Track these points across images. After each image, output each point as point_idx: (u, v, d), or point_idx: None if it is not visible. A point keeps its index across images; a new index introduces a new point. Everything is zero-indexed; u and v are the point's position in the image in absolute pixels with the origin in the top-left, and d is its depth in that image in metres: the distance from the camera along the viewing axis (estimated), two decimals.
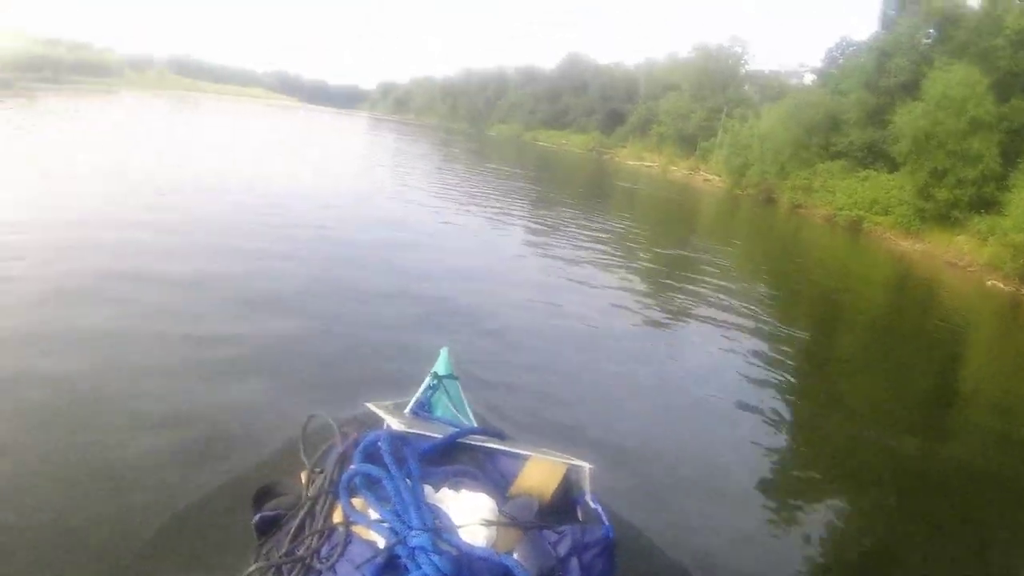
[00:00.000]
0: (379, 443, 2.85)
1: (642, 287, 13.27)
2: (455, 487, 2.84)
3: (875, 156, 43.09)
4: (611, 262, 14.69)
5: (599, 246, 16.40)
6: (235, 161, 23.84)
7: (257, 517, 3.03)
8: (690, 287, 13.94)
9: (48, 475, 4.20)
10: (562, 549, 2.63)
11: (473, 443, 3.23)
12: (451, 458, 3.09)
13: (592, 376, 7.89)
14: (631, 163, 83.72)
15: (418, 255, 12.44)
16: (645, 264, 15.69)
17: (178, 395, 5.51)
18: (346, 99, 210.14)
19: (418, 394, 4.09)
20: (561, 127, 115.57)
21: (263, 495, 3.17)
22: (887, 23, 47.64)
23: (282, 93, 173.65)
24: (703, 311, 12.05)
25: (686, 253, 18.99)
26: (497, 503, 2.76)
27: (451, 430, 3.33)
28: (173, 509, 3.93)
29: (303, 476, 3.11)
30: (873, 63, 44.34)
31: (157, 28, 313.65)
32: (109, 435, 4.73)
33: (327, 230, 13.27)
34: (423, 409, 3.98)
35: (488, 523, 2.63)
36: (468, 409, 4.26)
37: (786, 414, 7.88)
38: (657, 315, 11.39)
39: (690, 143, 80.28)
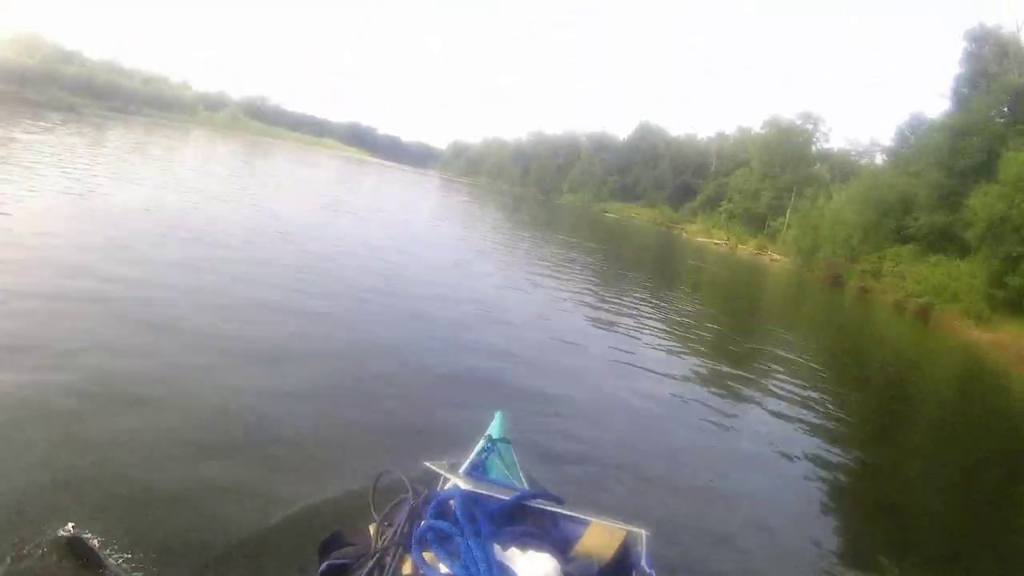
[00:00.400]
0: (451, 501, 2.99)
1: (705, 369, 12.81)
2: (522, 547, 2.90)
3: (946, 240, 41.75)
4: (674, 345, 14.14)
5: (662, 327, 15.95)
6: (314, 214, 23.94)
7: (324, 565, 3.04)
8: (753, 371, 13.61)
9: (122, 499, 4.34)
10: None
11: (536, 506, 3.30)
12: (517, 519, 3.17)
13: (649, 450, 7.77)
14: (699, 240, 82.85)
15: (484, 323, 12.34)
16: (709, 346, 15.07)
17: (245, 436, 5.66)
18: (418, 157, 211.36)
19: (472, 456, 4.18)
20: (631, 199, 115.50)
21: (330, 544, 3.21)
22: (960, 100, 46.93)
23: (355, 146, 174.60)
24: (766, 395, 11.68)
25: (752, 338, 18.25)
26: (560, 564, 2.81)
27: (511, 492, 3.40)
28: (240, 552, 4.08)
29: (371, 528, 3.18)
30: (946, 143, 43.08)
31: (233, 67, 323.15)
32: (182, 467, 4.91)
33: (401, 290, 13.41)
34: (477, 471, 4.00)
35: None
36: (520, 472, 4.32)
37: (847, 502, 7.79)
38: (719, 398, 10.88)
39: (758, 221, 79.91)
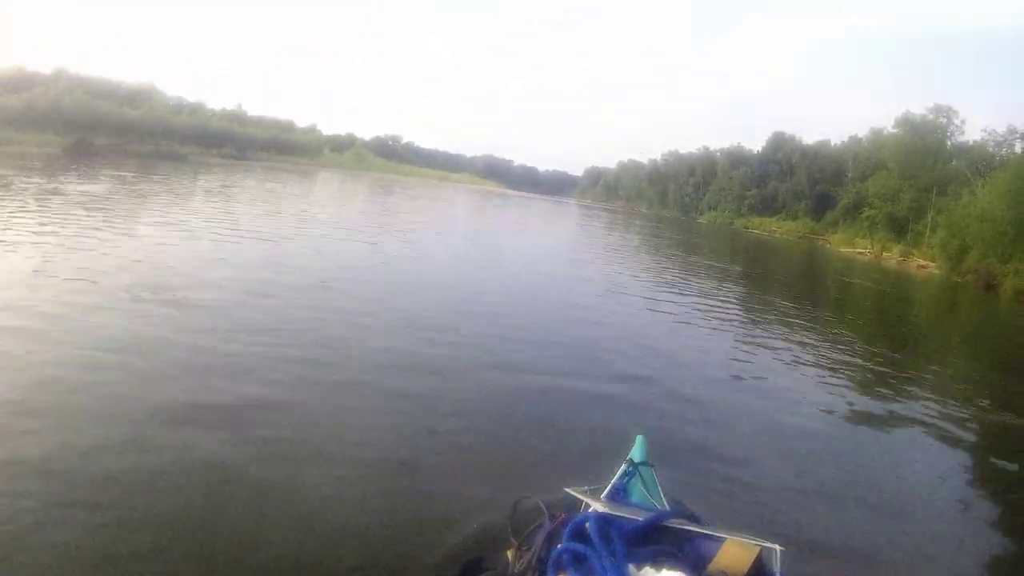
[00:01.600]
0: (586, 523, 3.09)
1: (852, 397, 11.49)
2: (657, 566, 2.93)
3: None
4: (818, 369, 13.05)
5: (817, 357, 14.34)
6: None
7: None
8: (903, 393, 12.29)
9: (244, 538, 4.51)
10: None
11: (672, 525, 3.29)
12: (652, 539, 3.18)
13: (795, 473, 7.42)
14: (843, 250, 78.15)
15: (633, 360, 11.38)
16: (855, 374, 13.42)
17: (392, 463, 5.87)
18: (555, 186, 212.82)
19: (614, 480, 4.19)
20: (771, 213, 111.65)
21: (470, 567, 3.63)
22: None
23: (491, 179, 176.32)
24: (917, 420, 10.51)
25: (895, 364, 15.35)
26: None
27: (650, 513, 3.39)
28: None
29: (510, 553, 3.46)
30: None
31: (363, 112, 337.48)
32: (320, 491, 5.19)
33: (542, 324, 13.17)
34: (619, 495, 4.03)
35: None
36: (662, 495, 4.23)
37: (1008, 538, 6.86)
38: (866, 427, 10.01)
39: (901, 226, 74.37)
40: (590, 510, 3.38)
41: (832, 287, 36.19)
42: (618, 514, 3.27)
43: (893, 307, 30.32)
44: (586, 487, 3.99)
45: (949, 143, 75.98)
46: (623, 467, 4.37)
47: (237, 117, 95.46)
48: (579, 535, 3.05)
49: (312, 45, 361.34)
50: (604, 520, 3.11)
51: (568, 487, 4.01)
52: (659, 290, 20.70)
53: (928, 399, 11.78)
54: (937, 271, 54.85)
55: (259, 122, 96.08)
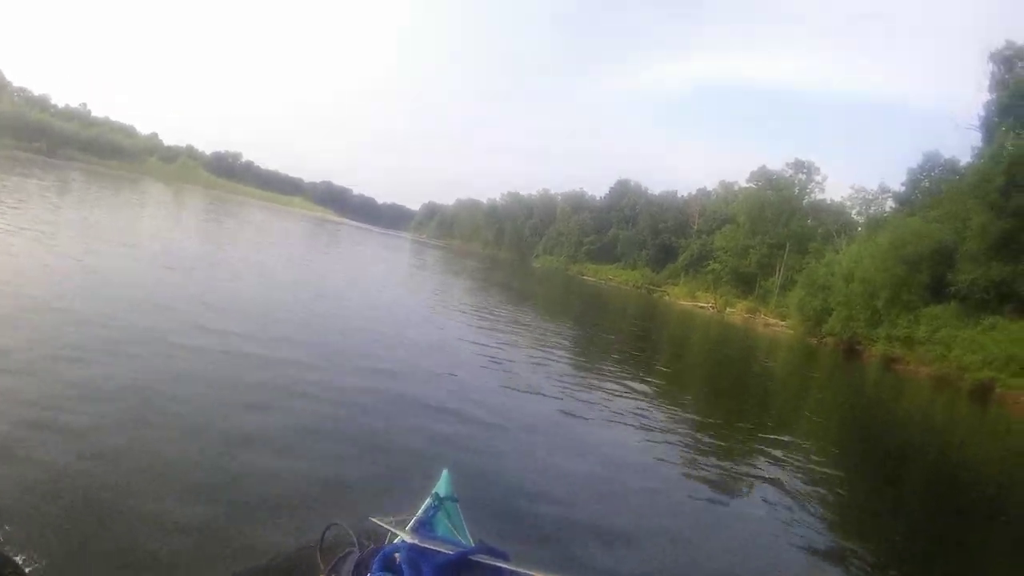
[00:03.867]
0: (397, 554, 3.05)
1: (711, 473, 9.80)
2: None
3: (1001, 298, 33.13)
4: (659, 437, 11.23)
5: (648, 417, 12.40)
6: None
7: None
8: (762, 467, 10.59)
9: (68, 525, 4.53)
10: None
11: (481, 560, 3.24)
12: (462, 574, 3.14)
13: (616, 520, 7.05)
14: (683, 303, 75.02)
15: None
16: (714, 454, 11.11)
17: (202, 485, 5.61)
18: (392, 218, 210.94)
19: (419, 513, 4.09)
20: (609, 260, 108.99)
21: None
22: (990, 129, 39.23)
23: (327, 207, 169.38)
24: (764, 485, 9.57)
25: (764, 438, 12.93)
26: None
27: (457, 548, 3.34)
28: None
29: None
30: (995, 178, 34.05)
31: (204, 124, 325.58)
32: (140, 510, 4.97)
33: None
34: (425, 528, 3.87)
35: None
36: (467, 531, 4.13)
37: None
38: (695, 481, 9.11)
39: (748, 282, 71.81)
40: (400, 540, 3.25)
41: (669, 341, 32.67)
42: (429, 547, 3.16)
43: (746, 370, 26.26)
44: (392, 517, 3.72)
45: (806, 200, 73.50)
46: (428, 500, 4.17)
47: (69, 114, 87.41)
48: (389, 566, 2.96)
49: (166, 49, 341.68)
50: (415, 551, 3.02)
51: (374, 516, 3.73)
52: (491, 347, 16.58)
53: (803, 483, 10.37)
54: (789, 331, 51.27)
55: (81, 119, 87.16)
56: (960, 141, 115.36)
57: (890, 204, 58.48)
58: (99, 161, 73.83)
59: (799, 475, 10.52)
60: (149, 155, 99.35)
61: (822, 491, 10.08)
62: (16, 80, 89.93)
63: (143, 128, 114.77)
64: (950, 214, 39.57)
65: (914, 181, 51.91)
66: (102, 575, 4.20)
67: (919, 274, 37.56)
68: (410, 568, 2.90)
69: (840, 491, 10.45)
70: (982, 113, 41.80)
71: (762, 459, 11.02)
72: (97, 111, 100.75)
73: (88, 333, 9.18)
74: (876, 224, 53.66)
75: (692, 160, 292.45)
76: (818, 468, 11.41)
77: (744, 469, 10.35)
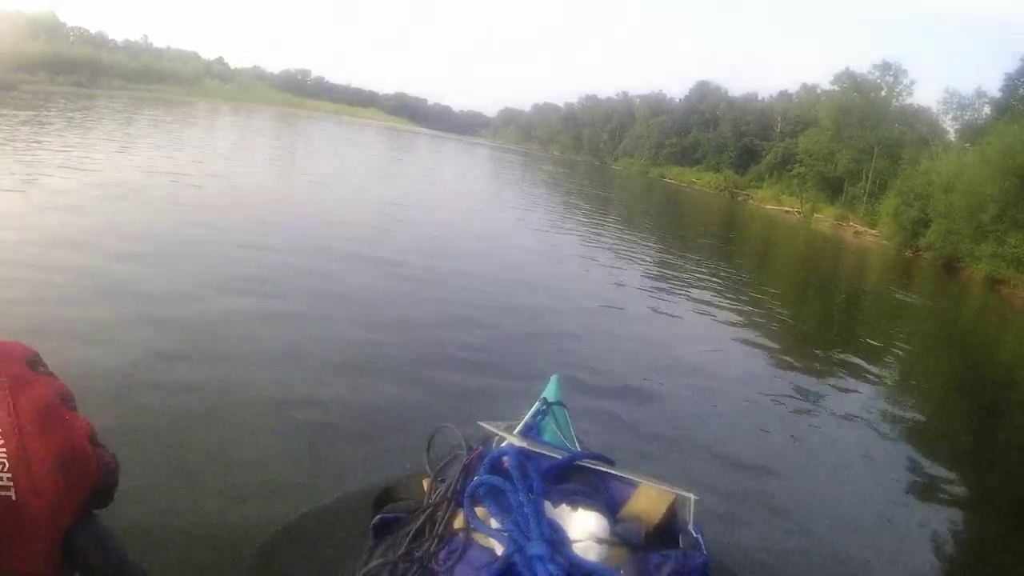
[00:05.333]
0: (505, 457, 2.97)
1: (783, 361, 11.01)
2: (572, 505, 2.82)
3: None
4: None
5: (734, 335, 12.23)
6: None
7: (377, 519, 3.06)
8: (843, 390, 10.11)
9: (173, 472, 4.40)
10: (664, 571, 2.64)
11: (588, 466, 3.19)
12: (568, 478, 3.09)
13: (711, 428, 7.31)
14: (768, 207, 72.09)
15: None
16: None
17: (312, 394, 5.91)
18: (470, 126, 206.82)
19: (527, 418, 3.88)
20: (690, 163, 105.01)
21: (384, 498, 3.28)
22: None
23: (404, 117, 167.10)
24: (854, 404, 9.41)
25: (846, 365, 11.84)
26: (608, 524, 2.73)
27: (567, 452, 3.29)
28: (300, 509, 4.15)
29: (425, 483, 3.19)
30: None
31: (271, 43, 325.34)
32: (243, 428, 5.15)
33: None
34: (532, 432, 3.70)
35: (600, 541, 2.63)
36: (574, 436, 3.98)
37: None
38: (791, 389, 9.38)
39: (835, 187, 68.26)
40: (507, 444, 3.13)
41: (753, 248, 31.96)
42: (536, 450, 3.10)
43: (837, 285, 24.50)
44: (500, 422, 3.57)
45: (895, 103, 68.76)
46: (536, 405, 3.95)
47: (130, 47, 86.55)
48: (496, 469, 2.85)
49: None
50: (523, 455, 2.93)
51: (482, 421, 3.55)
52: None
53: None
54: (883, 241, 48.27)
55: (141, 50, 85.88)
56: None
57: (987, 111, 54.30)
58: (147, 88, 71.08)
59: (894, 406, 10.07)
60: (204, 77, 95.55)
61: (911, 426, 9.42)
62: (71, 21, 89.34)
63: (208, 55, 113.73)
64: None
65: (1012, 87, 47.82)
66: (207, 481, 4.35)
67: None
68: (518, 471, 2.85)
69: (932, 430, 9.65)
70: None
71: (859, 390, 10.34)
72: (159, 43, 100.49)
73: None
74: (974, 131, 49.84)
75: (773, 62, 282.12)
76: (908, 401, 10.84)
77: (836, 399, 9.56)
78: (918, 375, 13.09)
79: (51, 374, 1.70)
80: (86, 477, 1.66)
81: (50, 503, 1.54)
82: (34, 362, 1.68)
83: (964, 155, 42.71)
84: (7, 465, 1.48)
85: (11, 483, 1.48)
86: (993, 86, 56.15)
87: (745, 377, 9.51)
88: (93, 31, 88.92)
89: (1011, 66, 49.71)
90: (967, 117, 57.92)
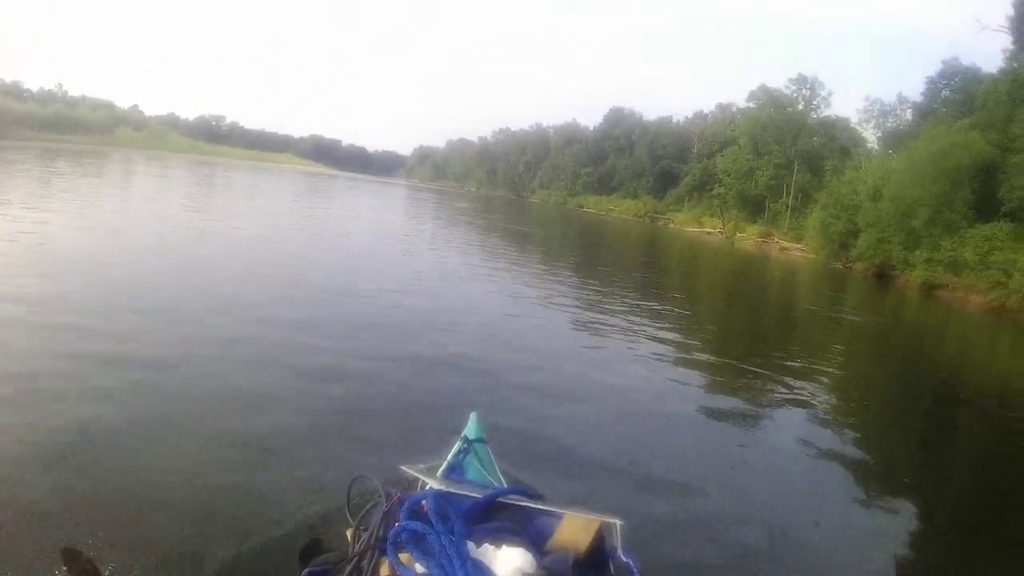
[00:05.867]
0: (423, 501, 2.95)
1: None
2: (496, 543, 2.82)
3: None
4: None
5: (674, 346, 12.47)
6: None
7: (305, 572, 2.97)
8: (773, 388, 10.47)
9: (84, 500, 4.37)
10: None
11: (511, 502, 3.21)
12: (491, 516, 3.09)
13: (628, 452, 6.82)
14: (690, 230, 71.26)
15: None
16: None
17: (224, 447, 5.54)
18: (385, 166, 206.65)
19: (449, 458, 4.02)
20: (608, 191, 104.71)
21: (309, 551, 3.23)
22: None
23: (319, 160, 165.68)
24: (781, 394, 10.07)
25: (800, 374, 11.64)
26: (535, 558, 2.74)
27: (488, 490, 3.32)
28: (221, 562, 3.93)
29: (348, 533, 3.18)
30: None
31: (183, 90, 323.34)
32: (163, 464, 5.01)
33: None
34: (455, 472, 3.87)
35: None
36: (498, 471, 4.07)
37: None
38: (723, 414, 8.81)
39: (756, 205, 67.75)
40: (427, 487, 3.24)
41: (678, 271, 31.35)
42: (455, 491, 3.15)
43: (764, 294, 24.45)
44: (422, 464, 3.72)
45: (814, 116, 68.65)
46: (457, 444, 4.09)
47: (44, 96, 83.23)
48: (416, 513, 2.86)
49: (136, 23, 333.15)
50: (442, 497, 2.95)
51: (403, 464, 3.77)
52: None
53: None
54: (810, 255, 47.41)
55: (42, 97, 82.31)
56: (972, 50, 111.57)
57: (908, 116, 53.95)
58: (58, 138, 67.80)
59: (840, 414, 9.93)
60: (117, 126, 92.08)
61: (863, 433, 9.27)
62: None
63: (123, 102, 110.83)
64: (985, 123, 35.31)
65: (935, 90, 47.43)
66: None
67: (962, 190, 33.43)
68: (437, 514, 2.75)
69: (886, 435, 9.61)
70: (1011, 13, 38.04)
71: (805, 396, 10.21)
72: (75, 91, 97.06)
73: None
74: (896, 138, 49.37)
75: (686, 86, 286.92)
76: (858, 403, 11.07)
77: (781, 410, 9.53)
78: (861, 386, 12.61)
79: None
80: None
81: None
82: None
83: (889, 162, 41.82)
84: None
85: None
86: (912, 92, 56.04)
87: (673, 400, 9.19)
88: (8, 80, 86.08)
89: (931, 69, 49.61)
90: (889, 124, 57.80)
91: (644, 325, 13.70)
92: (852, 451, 8.08)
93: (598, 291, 18.15)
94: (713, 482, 6.32)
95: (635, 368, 10.32)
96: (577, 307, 15.20)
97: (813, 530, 5.73)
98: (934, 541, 6.21)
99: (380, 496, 3.25)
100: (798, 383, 10.88)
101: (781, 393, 10.19)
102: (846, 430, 9.05)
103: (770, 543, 5.28)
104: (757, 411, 9.30)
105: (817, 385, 11.16)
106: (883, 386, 12.90)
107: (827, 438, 8.39)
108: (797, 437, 8.17)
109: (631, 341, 12.06)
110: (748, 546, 5.19)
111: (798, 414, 9.37)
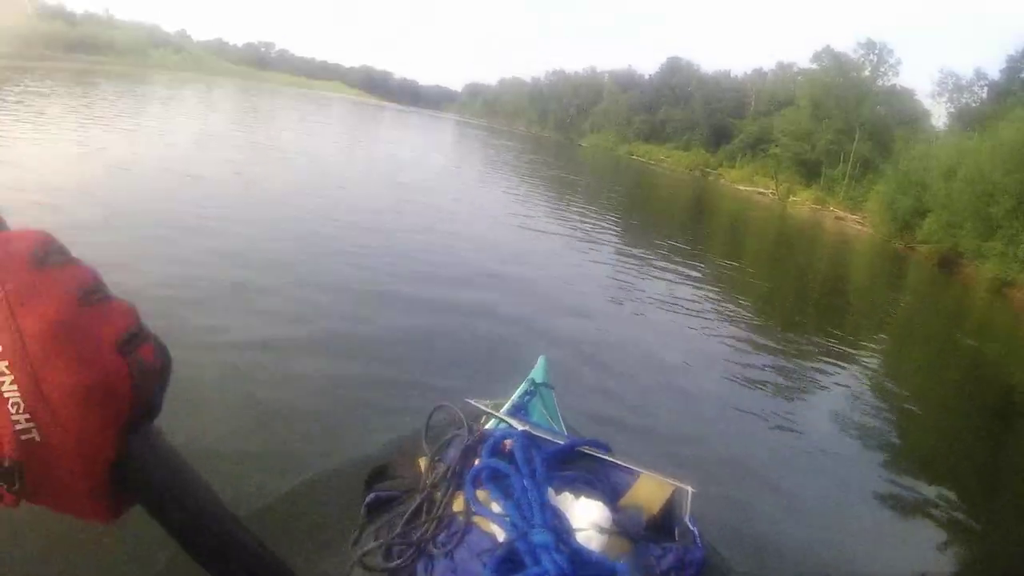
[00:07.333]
0: (508, 441, 2.76)
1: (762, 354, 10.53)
2: (574, 492, 2.60)
3: None
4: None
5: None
6: None
7: (371, 496, 2.78)
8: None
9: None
10: (664, 564, 2.48)
11: (588, 452, 2.97)
12: (570, 465, 2.86)
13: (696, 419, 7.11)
14: (741, 188, 68.48)
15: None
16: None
17: (312, 373, 5.65)
18: (436, 100, 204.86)
19: (514, 397, 3.76)
20: (659, 140, 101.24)
21: (377, 475, 2.98)
22: None
23: (367, 91, 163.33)
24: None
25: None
26: (610, 513, 2.52)
27: (569, 438, 3.06)
28: (291, 485, 4.03)
29: (421, 463, 2.89)
30: None
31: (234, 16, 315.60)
32: (249, 397, 5.00)
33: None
34: (520, 412, 3.55)
35: (602, 531, 2.47)
36: (561, 419, 3.87)
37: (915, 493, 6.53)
38: (775, 382, 9.25)
39: (812, 170, 64.48)
40: (507, 427, 2.98)
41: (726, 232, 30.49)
42: (539, 435, 2.87)
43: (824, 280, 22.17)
44: (488, 400, 3.39)
45: (880, 83, 64.97)
46: (524, 386, 3.82)
47: (90, 19, 79.00)
48: (498, 452, 2.63)
49: None
50: (528, 439, 2.68)
51: (469, 398, 3.29)
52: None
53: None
54: (868, 230, 44.41)
55: (83, 20, 79.49)
56: None
57: (984, 95, 50.36)
58: (87, 59, 65.41)
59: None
60: (154, 48, 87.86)
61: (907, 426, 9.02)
62: None
63: (170, 28, 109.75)
64: None
65: (1015, 69, 43.97)
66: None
67: None
68: (523, 457, 2.55)
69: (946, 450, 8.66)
70: None
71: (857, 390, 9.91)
72: (122, 15, 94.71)
73: None
74: (971, 115, 45.96)
75: (748, 39, 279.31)
76: (905, 403, 10.23)
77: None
78: (916, 382, 12.14)
79: (68, 263, 1.18)
80: (119, 400, 1.22)
81: (81, 439, 1.18)
82: (43, 259, 1.17)
83: (966, 141, 38.49)
84: (22, 405, 1.13)
85: (31, 424, 1.14)
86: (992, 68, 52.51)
87: (732, 375, 9.11)
88: (51, 2, 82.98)
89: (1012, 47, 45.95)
90: (963, 100, 54.00)
91: (710, 295, 13.93)
92: (910, 442, 8.30)
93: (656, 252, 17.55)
94: (770, 458, 6.43)
95: (694, 339, 10.44)
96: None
97: (873, 517, 5.74)
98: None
99: (461, 428, 2.83)
100: (855, 365, 11.04)
101: (837, 372, 10.27)
102: (904, 418, 9.21)
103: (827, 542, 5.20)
104: (812, 388, 9.51)
105: (873, 371, 11.22)
106: (941, 382, 12.60)
107: (885, 422, 8.62)
108: (857, 418, 8.39)
109: (693, 313, 11.93)
110: (804, 526, 5.25)
111: (856, 398, 9.34)
